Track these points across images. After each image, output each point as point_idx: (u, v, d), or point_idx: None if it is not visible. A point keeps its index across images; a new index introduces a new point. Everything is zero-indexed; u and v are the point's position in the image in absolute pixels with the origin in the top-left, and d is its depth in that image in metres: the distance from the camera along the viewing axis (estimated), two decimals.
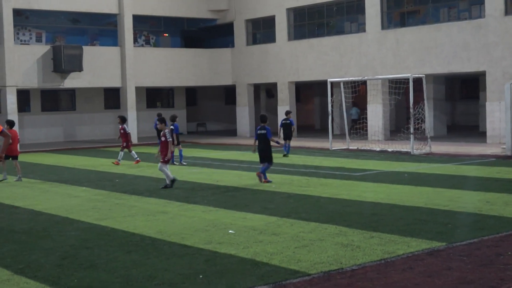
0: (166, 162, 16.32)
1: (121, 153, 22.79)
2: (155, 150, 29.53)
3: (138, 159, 22.92)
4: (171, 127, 21.17)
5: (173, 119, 22.49)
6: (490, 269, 7.92)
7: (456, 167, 18.99)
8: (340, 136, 28.92)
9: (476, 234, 9.85)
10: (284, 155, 23.98)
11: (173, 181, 16.22)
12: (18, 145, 19.98)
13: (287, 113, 25.34)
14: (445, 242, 9.36)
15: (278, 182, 16.69)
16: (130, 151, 22.91)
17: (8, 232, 11.12)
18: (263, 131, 16.73)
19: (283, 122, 24.86)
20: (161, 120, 17.14)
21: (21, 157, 25.92)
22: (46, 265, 8.77)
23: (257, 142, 16.90)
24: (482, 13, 27.81)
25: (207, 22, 39.62)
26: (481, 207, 12.12)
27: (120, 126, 23.11)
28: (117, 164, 22.41)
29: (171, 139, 16.46)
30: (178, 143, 22.14)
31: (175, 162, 22.25)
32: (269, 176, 16.81)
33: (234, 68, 37.84)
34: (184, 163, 22.42)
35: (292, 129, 24.92)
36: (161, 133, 16.72)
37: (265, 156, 16.68)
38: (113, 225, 11.46)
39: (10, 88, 31.31)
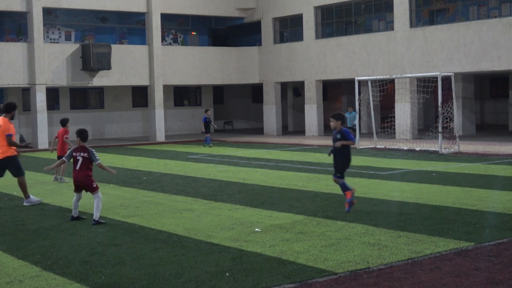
0: None
1: None
2: (182, 148, 29.71)
3: None
4: None
5: None
6: None
7: (485, 167, 18.80)
8: (368, 134, 28.75)
9: (505, 234, 9.75)
10: (210, 146, 29.04)
11: None
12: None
13: (207, 110, 30.12)
14: (474, 242, 9.27)
15: (305, 180, 16.67)
16: None
17: (37, 229, 11.26)
18: None
19: (207, 119, 29.54)
20: None
21: (50, 155, 26.14)
22: (74, 261, 8.86)
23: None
24: None
25: (234, 21, 39.66)
26: (510, 207, 11.97)
27: None
28: None
29: None
30: None
31: None
32: (296, 174, 16.74)
33: (262, 66, 37.85)
34: None
35: (212, 125, 30.28)
36: None
37: None
38: (141, 223, 11.54)
39: (40, 86, 31.66)
